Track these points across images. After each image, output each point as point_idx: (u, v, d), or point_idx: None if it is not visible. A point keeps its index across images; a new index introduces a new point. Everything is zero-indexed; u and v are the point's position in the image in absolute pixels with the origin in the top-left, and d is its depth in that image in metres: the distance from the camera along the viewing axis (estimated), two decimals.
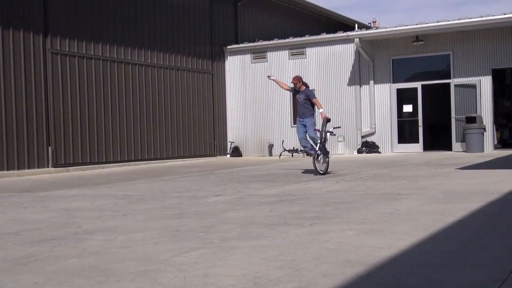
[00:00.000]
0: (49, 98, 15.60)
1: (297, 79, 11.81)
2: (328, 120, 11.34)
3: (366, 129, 20.07)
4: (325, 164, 11.28)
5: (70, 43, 16.23)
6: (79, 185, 11.14)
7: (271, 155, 21.44)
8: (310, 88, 12.12)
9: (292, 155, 20.55)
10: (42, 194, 9.38)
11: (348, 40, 19.90)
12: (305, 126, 11.49)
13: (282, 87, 12.33)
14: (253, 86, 21.89)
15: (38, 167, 15.20)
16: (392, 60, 19.82)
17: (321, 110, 11.33)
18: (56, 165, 15.62)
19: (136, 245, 4.58)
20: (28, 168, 14.98)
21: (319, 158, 11.22)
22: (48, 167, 15.44)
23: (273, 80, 12.40)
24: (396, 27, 18.97)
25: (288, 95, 21.23)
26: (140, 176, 13.17)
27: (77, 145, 16.29)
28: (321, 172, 11.16)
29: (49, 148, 15.54)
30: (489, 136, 18.48)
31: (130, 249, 4.41)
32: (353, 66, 20.19)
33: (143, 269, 3.74)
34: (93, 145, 16.77)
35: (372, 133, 20.02)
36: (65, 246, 4.63)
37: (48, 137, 15.53)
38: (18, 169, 14.74)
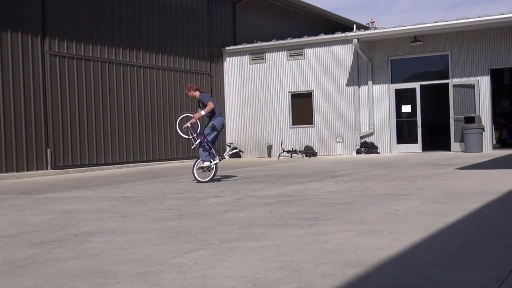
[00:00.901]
0: (47, 100, 15.59)
1: (187, 89, 11.16)
2: (192, 124, 10.70)
3: (364, 130, 20.08)
4: (204, 171, 10.81)
5: (68, 45, 16.22)
6: (78, 187, 11.13)
7: (270, 156, 21.44)
8: (206, 93, 11.41)
9: (291, 156, 20.55)
10: (41, 196, 9.37)
11: (347, 41, 19.92)
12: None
13: (200, 115, 10.91)
14: (251, 87, 21.89)
15: (37, 169, 15.19)
16: (391, 60, 19.83)
17: (202, 112, 10.68)
18: (55, 167, 15.60)
19: (135, 246, 4.58)
20: (27, 170, 14.97)
21: (196, 163, 11.00)
22: (47, 169, 15.43)
23: (191, 123, 10.94)
24: (394, 27, 18.98)
25: (287, 96, 21.27)
26: (139, 177, 13.16)
27: (76, 147, 16.28)
28: (201, 180, 10.72)
29: (48, 150, 15.53)
30: (488, 136, 18.50)
31: (129, 251, 4.41)
32: (351, 67, 20.21)
33: (142, 271, 3.73)
34: (91, 146, 16.76)
35: (371, 134, 20.02)
36: (64, 248, 4.63)
37: (46, 139, 15.51)
38: (17, 171, 14.72)
